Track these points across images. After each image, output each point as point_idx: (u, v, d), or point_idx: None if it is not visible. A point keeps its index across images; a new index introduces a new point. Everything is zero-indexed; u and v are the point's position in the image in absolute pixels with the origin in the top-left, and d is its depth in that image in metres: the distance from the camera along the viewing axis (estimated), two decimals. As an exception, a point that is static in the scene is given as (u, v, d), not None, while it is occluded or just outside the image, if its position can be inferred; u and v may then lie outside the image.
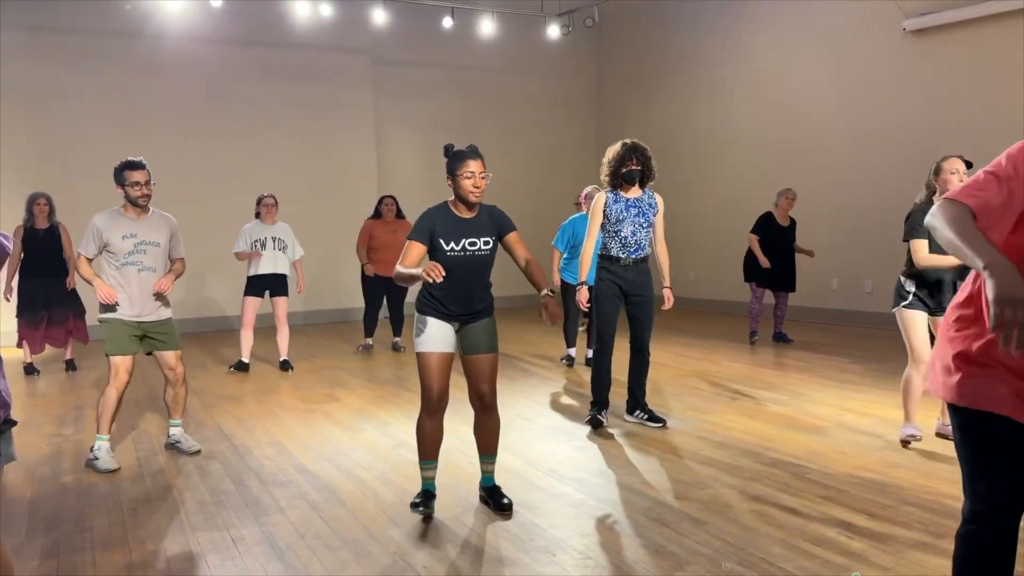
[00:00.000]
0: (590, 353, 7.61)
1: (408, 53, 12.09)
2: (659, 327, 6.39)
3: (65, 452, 5.12)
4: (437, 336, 3.71)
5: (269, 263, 7.47)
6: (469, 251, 3.67)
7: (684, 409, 5.80)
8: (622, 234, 5.19)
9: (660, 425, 5.27)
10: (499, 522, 3.73)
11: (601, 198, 5.22)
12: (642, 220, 5.22)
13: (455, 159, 3.65)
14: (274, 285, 7.56)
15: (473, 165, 3.61)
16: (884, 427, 5.19)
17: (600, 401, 5.35)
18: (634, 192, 5.24)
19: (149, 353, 4.92)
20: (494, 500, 3.87)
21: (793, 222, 8.58)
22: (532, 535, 3.57)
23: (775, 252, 8.39)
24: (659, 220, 5.31)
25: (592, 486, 4.20)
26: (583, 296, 5.18)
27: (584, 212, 7.31)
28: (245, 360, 7.65)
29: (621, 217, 5.19)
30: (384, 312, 8.87)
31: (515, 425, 5.42)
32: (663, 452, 4.77)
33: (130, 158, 4.72)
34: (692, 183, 11.82)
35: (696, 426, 5.32)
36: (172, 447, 5.04)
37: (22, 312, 7.53)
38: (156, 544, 3.58)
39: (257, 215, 7.63)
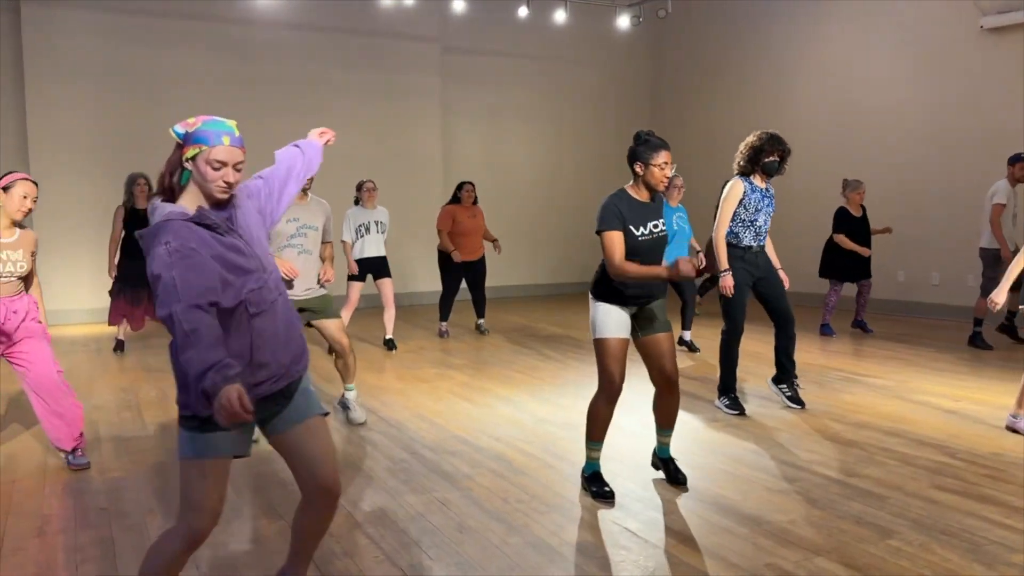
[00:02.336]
0: (687, 335, 7.78)
1: (477, 42, 12.23)
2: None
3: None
4: (617, 322, 3.81)
5: (373, 246, 7.66)
6: (655, 234, 3.82)
7: (801, 394, 5.99)
8: (757, 223, 5.34)
9: (798, 408, 5.45)
10: (689, 494, 3.93)
11: (739, 185, 5.32)
12: (771, 209, 5.40)
13: (647, 147, 3.75)
14: (379, 268, 7.74)
15: (665, 155, 3.73)
16: (1004, 413, 5.38)
17: (731, 386, 5.52)
18: (764, 182, 5.41)
19: (309, 324, 5.09)
20: (670, 471, 4.05)
21: (865, 211, 8.76)
22: (722, 505, 3.76)
23: (855, 243, 8.57)
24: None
25: (757, 465, 4.39)
26: (728, 283, 5.30)
27: (665, 200, 7.44)
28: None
29: (759, 207, 5.34)
30: (460, 296, 9.05)
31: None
32: (806, 432, 4.96)
33: None
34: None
35: (822, 409, 5.51)
36: (342, 406, 5.29)
37: (122, 290, 7.66)
38: (372, 505, 3.78)
39: (357, 200, 7.81)
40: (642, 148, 3.76)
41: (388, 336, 8.04)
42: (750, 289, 5.43)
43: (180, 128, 2.35)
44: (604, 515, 3.66)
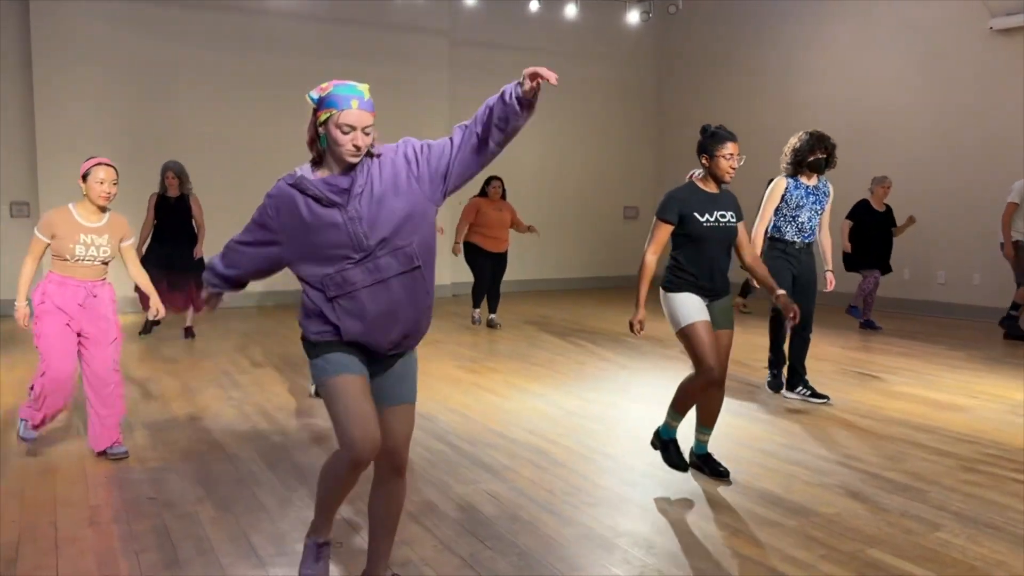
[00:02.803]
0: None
1: (486, 35, 12.23)
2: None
3: (250, 413, 5.34)
4: (698, 307, 3.88)
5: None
6: (720, 222, 3.88)
7: (823, 390, 6.04)
8: (800, 219, 5.46)
9: (824, 400, 5.53)
10: (732, 488, 3.98)
11: (781, 183, 5.49)
12: (818, 207, 5.50)
13: (713, 139, 3.85)
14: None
15: (732, 147, 3.83)
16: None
17: (775, 362, 5.79)
18: (813, 180, 5.50)
19: None
20: (710, 467, 4.09)
21: (889, 208, 8.84)
22: (767, 498, 3.81)
23: (874, 237, 8.68)
24: (828, 207, 5.57)
25: (791, 459, 4.44)
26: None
27: None
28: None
29: (801, 203, 5.45)
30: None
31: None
32: (837, 429, 5.02)
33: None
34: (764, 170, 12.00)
35: (847, 406, 5.57)
36: None
37: (156, 277, 7.69)
38: (420, 495, 3.80)
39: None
40: (709, 140, 3.85)
41: None
42: (791, 279, 5.50)
43: (315, 93, 2.43)
44: (651, 507, 3.71)
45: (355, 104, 2.37)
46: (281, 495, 3.85)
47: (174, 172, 7.85)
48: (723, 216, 3.89)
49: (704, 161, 3.89)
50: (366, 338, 2.48)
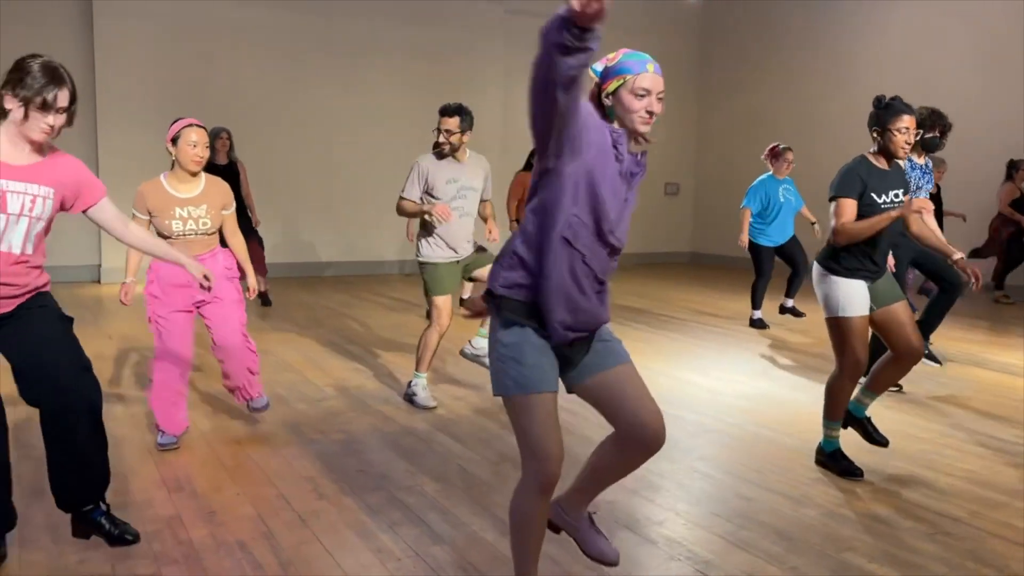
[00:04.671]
0: (790, 303, 7.79)
1: (540, 4, 12.04)
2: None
3: (387, 382, 5.27)
4: (862, 299, 3.71)
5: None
6: (895, 203, 3.70)
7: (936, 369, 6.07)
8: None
9: (938, 364, 5.61)
10: (879, 471, 3.99)
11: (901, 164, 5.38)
12: (929, 186, 5.44)
13: (888, 111, 3.66)
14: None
15: (908, 120, 3.62)
16: None
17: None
18: (923, 158, 5.42)
19: (470, 279, 4.98)
20: (867, 430, 3.95)
21: (940, 191, 8.82)
22: (915, 478, 3.83)
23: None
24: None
25: (941, 441, 4.41)
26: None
27: (771, 172, 7.46)
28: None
29: (919, 184, 5.39)
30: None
31: (810, 388, 5.67)
32: (963, 405, 5.05)
33: (447, 103, 4.68)
34: (819, 157, 11.97)
35: (961, 390, 5.61)
36: (474, 359, 5.07)
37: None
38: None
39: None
40: (882, 112, 3.66)
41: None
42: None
43: (599, 65, 2.34)
44: (853, 491, 3.71)
45: (650, 68, 2.30)
46: (492, 466, 3.81)
47: (228, 135, 7.64)
48: (897, 196, 3.71)
49: (876, 135, 3.71)
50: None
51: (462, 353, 5.12)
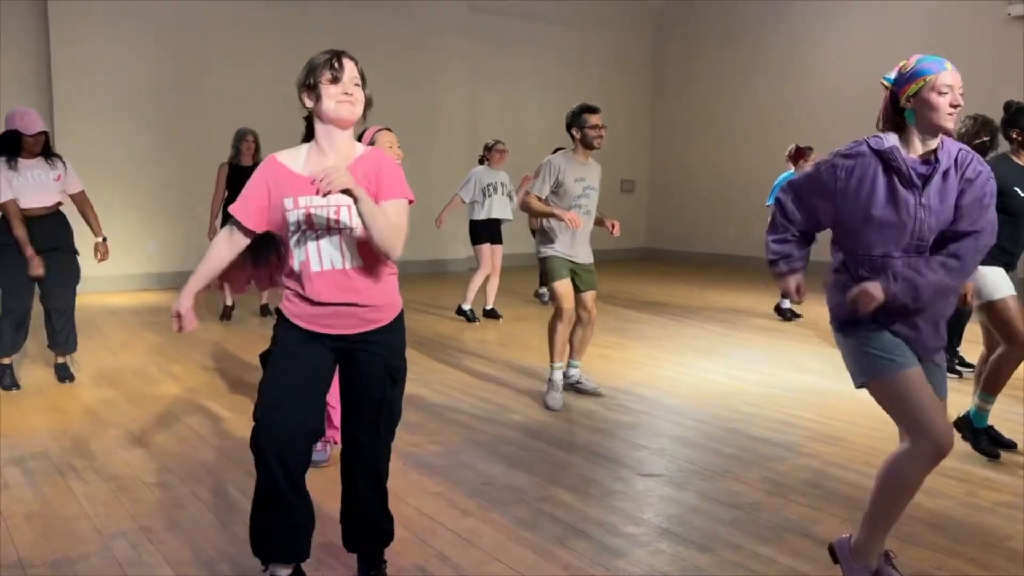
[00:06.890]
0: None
1: (503, 3, 11.99)
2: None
3: (453, 393, 5.14)
4: (1006, 280, 3.91)
5: (500, 208, 7.48)
6: None
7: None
8: None
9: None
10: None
11: None
12: None
13: (1021, 114, 3.97)
14: (498, 231, 7.58)
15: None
16: None
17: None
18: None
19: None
20: (992, 437, 4.07)
21: None
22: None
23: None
24: None
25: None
26: None
27: (792, 169, 7.64)
28: (467, 307, 7.73)
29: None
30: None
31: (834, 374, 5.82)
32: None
33: (587, 102, 4.77)
34: (773, 151, 12.33)
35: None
36: (572, 387, 5.13)
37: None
38: (625, 487, 3.79)
39: (482, 160, 7.60)
40: (1017, 116, 3.96)
41: (489, 306, 7.83)
42: None
43: (891, 74, 2.50)
44: (942, 483, 3.82)
45: (948, 66, 2.43)
46: (616, 473, 3.75)
47: (254, 136, 7.31)
48: None
49: (1015, 135, 4.01)
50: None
51: (566, 378, 5.10)
